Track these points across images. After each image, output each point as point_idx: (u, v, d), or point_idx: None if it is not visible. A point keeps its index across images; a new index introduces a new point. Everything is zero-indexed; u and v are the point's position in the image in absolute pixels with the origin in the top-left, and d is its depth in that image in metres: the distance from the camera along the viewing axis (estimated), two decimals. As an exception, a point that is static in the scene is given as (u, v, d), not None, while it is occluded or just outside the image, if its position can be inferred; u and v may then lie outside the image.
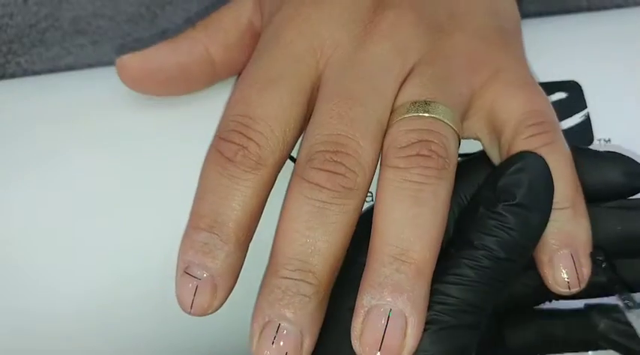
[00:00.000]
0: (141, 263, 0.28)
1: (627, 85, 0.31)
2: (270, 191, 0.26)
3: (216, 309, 0.25)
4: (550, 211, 0.25)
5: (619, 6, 0.37)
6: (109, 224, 0.29)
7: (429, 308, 0.24)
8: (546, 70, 0.31)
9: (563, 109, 0.30)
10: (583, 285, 0.26)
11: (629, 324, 0.26)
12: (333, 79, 0.26)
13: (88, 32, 0.37)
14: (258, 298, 0.25)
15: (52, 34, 0.37)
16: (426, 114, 0.25)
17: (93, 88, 0.32)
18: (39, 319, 0.29)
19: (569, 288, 0.26)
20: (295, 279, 0.24)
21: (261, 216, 0.26)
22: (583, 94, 0.30)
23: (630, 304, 0.26)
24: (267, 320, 0.24)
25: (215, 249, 0.25)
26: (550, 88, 0.30)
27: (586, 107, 0.30)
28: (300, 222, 0.24)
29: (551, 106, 0.27)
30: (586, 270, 0.26)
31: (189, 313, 0.25)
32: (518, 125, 0.26)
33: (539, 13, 0.38)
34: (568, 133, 0.29)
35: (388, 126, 0.26)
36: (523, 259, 0.25)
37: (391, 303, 0.23)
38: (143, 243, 0.28)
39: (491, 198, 0.25)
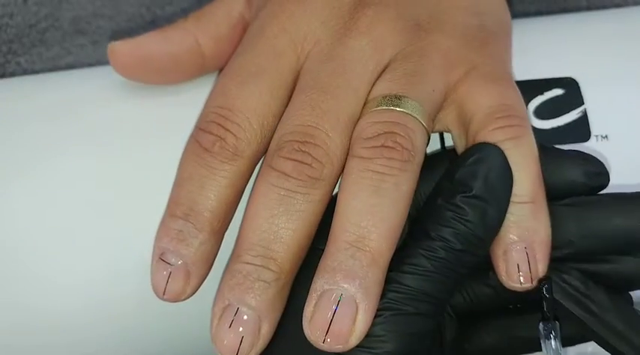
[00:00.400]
0: (139, 259, 0.28)
1: (625, 82, 0.30)
2: (248, 182, 0.26)
3: (189, 296, 0.26)
4: (507, 204, 0.25)
5: (618, 6, 0.37)
6: (109, 221, 0.29)
7: (384, 295, 0.24)
8: (544, 67, 0.30)
9: (561, 105, 0.30)
10: (535, 283, 0.26)
11: (577, 288, 0.26)
12: (310, 72, 0.27)
13: (88, 32, 0.37)
14: (220, 282, 0.25)
15: (52, 34, 0.37)
16: (396, 108, 0.25)
17: (92, 86, 0.32)
18: (36, 315, 0.29)
19: (521, 283, 0.26)
20: (257, 265, 0.24)
21: (237, 206, 0.26)
22: (580, 91, 0.30)
23: (551, 334, 0.26)
24: (226, 303, 0.24)
25: (189, 237, 0.25)
26: (547, 84, 0.30)
27: (583, 103, 0.30)
28: (265, 209, 0.25)
29: (523, 102, 0.27)
30: (541, 267, 0.26)
31: (163, 299, 0.26)
32: (485, 117, 0.26)
33: (540, 12, 0.38)
34: (565, 129, 0.29)
35: (359, 118, 0.26)
36: (480, 251, 0.25)
37: (343, 289, 0.23)
38: (141, 239, 0.28)
39: (448, 189, 0.25)
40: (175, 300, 0.26)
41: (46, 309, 0.29)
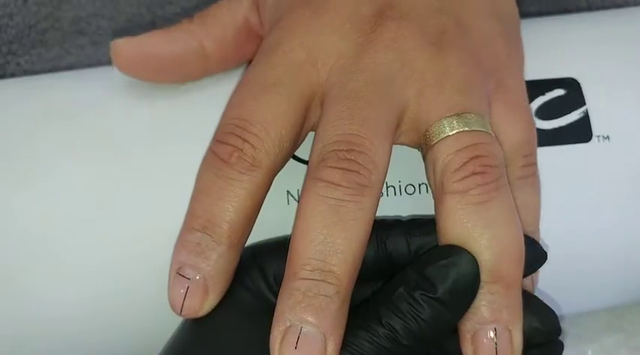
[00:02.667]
0: (144, 264, 0.28)
1: (626, 83, 0.30)
2: (266, 194, 0.26)
3: (207, 311, 0.25)
4: (466, 311, 0.25)
5: (619, 6, 0.37)
6: (110, 225, 0.29)
7: None
8: (546, 68, 0.30)
9: (562, 106, 0.30)
10: None
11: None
12: (339, 84, 0.26)
13: (88, 33, 0.37)
14: (277, 303, 0.24)
15: (52, 35, 0.37)
16: (466, 128, 0.25)
17: (92, 87, 0.32)
18: (37, 324, 0.29)
19: None
20: (315, 280, 0.23)
21: (256, 218, 0.26)
22: (582, 91, 0.30)
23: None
24: (288, 324, 0.23)
25: (207, 250, 0.25)
26: (549, 84, 0.30)
27: (585, 104, 0.30)
28: (316, 221, 0.24)
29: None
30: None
31: (180, 315, 0.25)
32: (514, 152, 0.27)
33: (540, 13, 0.38)
34: (566, 130, 0.29)
35: (429, 146, 0.26)
36: (424, 347, 0.24)
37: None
38: (144, 246, 0.28)
39: (412, 282, 0.24)
40: (193, 317, 0.25)
41: (45, 318, 0.29)
